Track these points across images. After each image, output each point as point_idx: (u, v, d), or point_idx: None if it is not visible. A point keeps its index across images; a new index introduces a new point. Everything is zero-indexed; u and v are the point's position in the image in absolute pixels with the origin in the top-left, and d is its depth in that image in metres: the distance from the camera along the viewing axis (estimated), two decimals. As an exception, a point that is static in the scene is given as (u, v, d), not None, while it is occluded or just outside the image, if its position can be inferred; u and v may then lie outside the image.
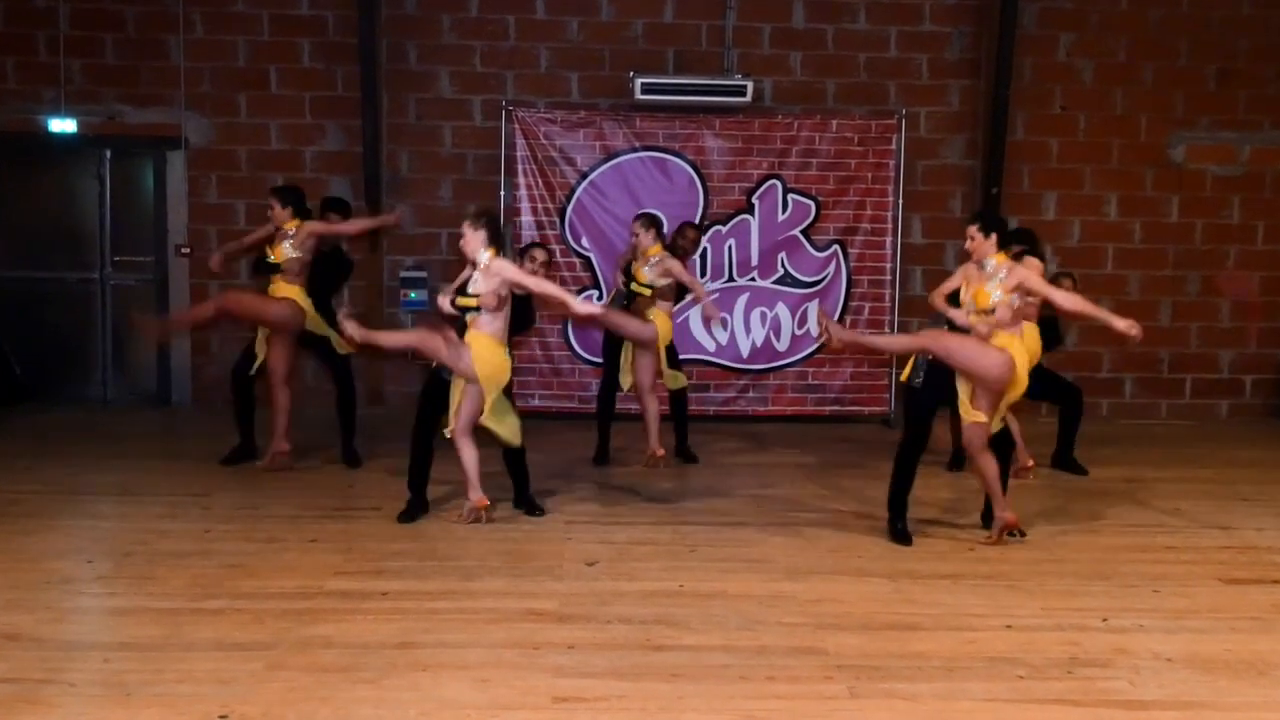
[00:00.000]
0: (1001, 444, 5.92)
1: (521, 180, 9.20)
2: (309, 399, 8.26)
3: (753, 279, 9.32)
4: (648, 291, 7.27)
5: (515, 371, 6.25)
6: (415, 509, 6.11)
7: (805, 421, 9.23)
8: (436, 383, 6.04)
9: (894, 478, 5.92)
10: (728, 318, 9.23)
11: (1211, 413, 9.83)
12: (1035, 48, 9.46)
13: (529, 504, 6.26)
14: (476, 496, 5.98)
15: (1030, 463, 7.19)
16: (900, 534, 5.84)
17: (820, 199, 9.28)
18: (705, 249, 9.21)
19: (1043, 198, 9.63)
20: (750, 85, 8.97)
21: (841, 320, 9.15)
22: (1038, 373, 7.25)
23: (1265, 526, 6.27)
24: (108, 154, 9.47)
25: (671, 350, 7.45)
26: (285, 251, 6.93)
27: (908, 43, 9.46)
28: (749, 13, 9.37)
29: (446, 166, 9.48)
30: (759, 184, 9.27)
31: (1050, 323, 6.89)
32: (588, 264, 9.22)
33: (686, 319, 9.07)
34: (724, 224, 9.27)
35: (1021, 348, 5.67)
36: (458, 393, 5.88)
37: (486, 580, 5.14)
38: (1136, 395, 9.81)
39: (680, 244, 7.78)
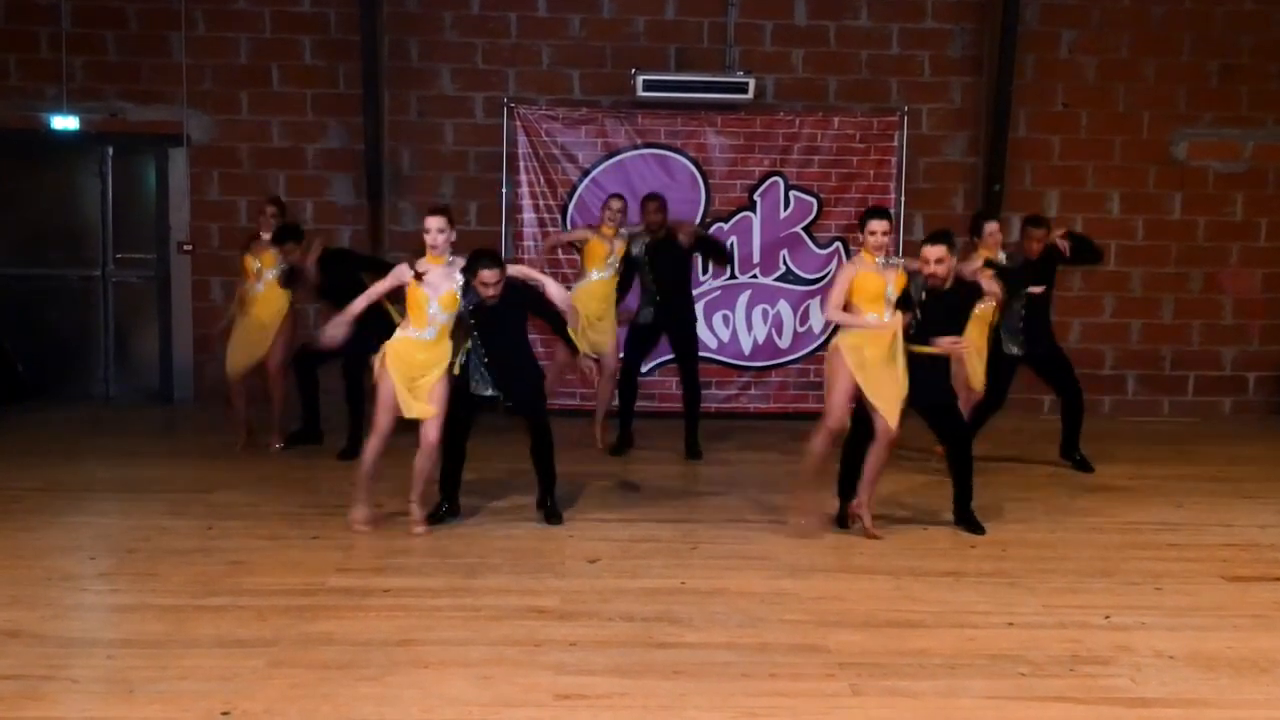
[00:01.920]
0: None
1: (523, 177, 9.20)
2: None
3: (755, 276, 9.31)
4: None
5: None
6: (444, 512, 6.06)
7: (807, 419, 9.18)
8: (463, 387, 6.00)
9: (843, 465, 6.08)
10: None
11: (1214, 410, 9.81)
12: (1037, 44, 9.45)
13: (549, 510, 6.10)
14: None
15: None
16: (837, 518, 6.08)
17: (822, 196, 9.27)
18: (708, 246, 9.23)
19: (1045, 195, 9.60)
20: (752, 82, 8.95)
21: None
22: (1045, 353, 7.27)
23: (1268, 524, 6.26)
24: (109, 151, 9.47)
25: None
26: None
27: (909, 40, 9.45)
28: (751, 10, 9.35)
29: (448, 164, 9.47)
30: (761, 181, 9.26)
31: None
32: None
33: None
34: (726, 221, 9.26)
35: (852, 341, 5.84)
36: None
37: (488, 577, 5.14)
38: (1139, 392, 9.80)
39: None
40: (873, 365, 5.74)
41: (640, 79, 8.92)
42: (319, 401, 7.86)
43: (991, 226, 7.27)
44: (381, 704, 3.80)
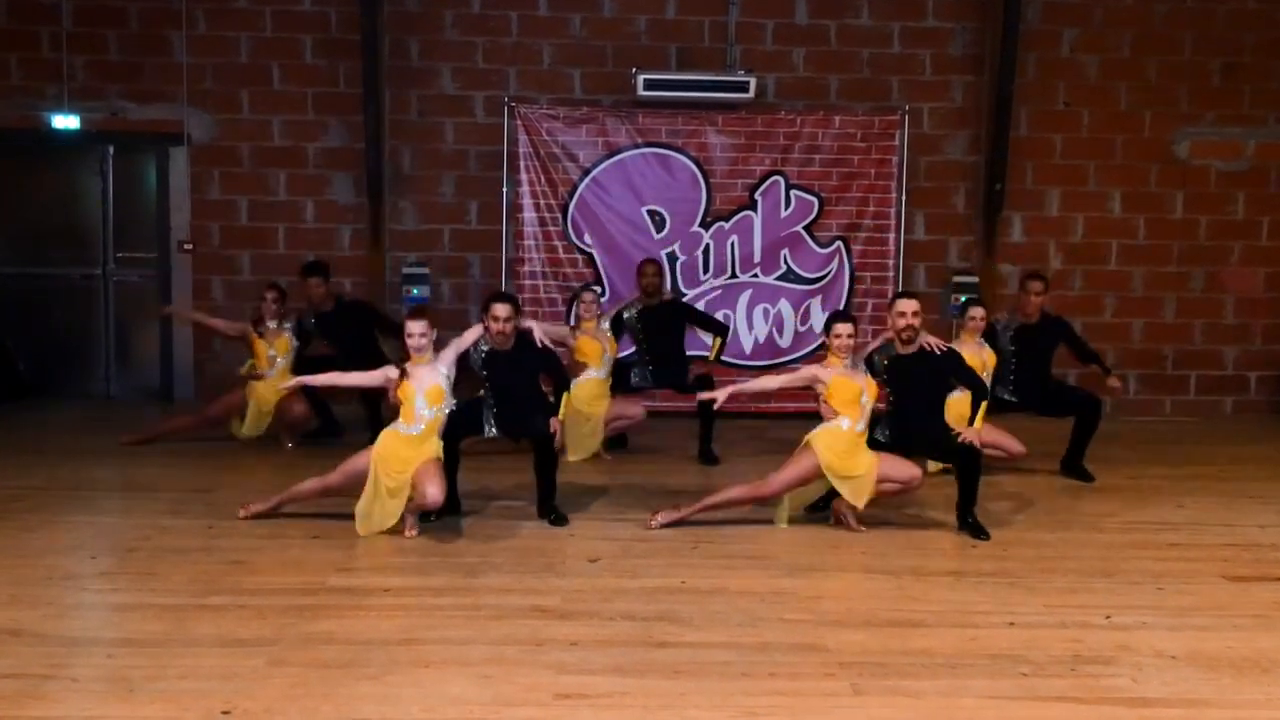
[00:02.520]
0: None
1: (524, 177, 9.20)
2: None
3: (755, 275, 9.31)
4: None
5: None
6: (441, 509, 6.05)
7: (807, 418, 9.16)
8: (465, 408, 6.04)
9: None
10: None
11: (1215, 409, 9.81)
12: (1039, 43, 9.45)
13: (553, 517, 6.07)
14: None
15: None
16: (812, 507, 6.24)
17: (823, 195, 9.27)
18: (708, 245, 9.24)
19: (1046, 194, 9.61)
20: (753, 81, 8.95)
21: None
22: (1039, 394, 7.30)
23: (1269, 524, 6.26)
24: (110, 150, 9.49)
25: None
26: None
27: (911, 38, 9.45)
28: (752, 9, 9.35)
29: (448, 163, 9.48)
30: (762, 180, 9.26)
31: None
32: (590, 260, 9.22)
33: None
34: (727, 220, 9.27)
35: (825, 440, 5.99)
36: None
37: (489, 577, 5.14)
38: (1140, 392, 9.80)
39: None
40: (842, 462, 5.89)
41: (641, 78, 8.92)
42: (328, 404, 7.98)
43: (977, 311, 7.25)
44: (382, 703, 3.80)
